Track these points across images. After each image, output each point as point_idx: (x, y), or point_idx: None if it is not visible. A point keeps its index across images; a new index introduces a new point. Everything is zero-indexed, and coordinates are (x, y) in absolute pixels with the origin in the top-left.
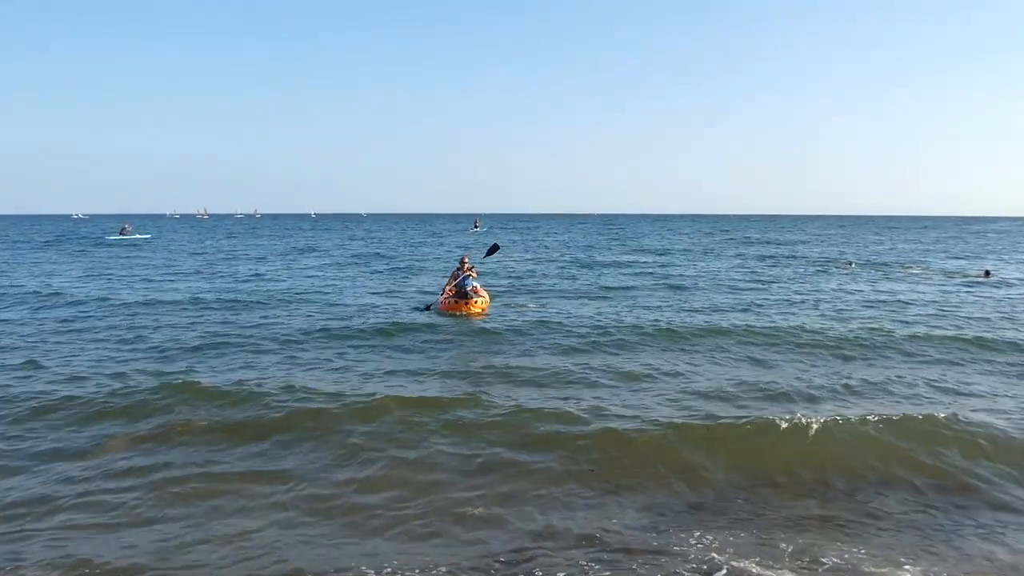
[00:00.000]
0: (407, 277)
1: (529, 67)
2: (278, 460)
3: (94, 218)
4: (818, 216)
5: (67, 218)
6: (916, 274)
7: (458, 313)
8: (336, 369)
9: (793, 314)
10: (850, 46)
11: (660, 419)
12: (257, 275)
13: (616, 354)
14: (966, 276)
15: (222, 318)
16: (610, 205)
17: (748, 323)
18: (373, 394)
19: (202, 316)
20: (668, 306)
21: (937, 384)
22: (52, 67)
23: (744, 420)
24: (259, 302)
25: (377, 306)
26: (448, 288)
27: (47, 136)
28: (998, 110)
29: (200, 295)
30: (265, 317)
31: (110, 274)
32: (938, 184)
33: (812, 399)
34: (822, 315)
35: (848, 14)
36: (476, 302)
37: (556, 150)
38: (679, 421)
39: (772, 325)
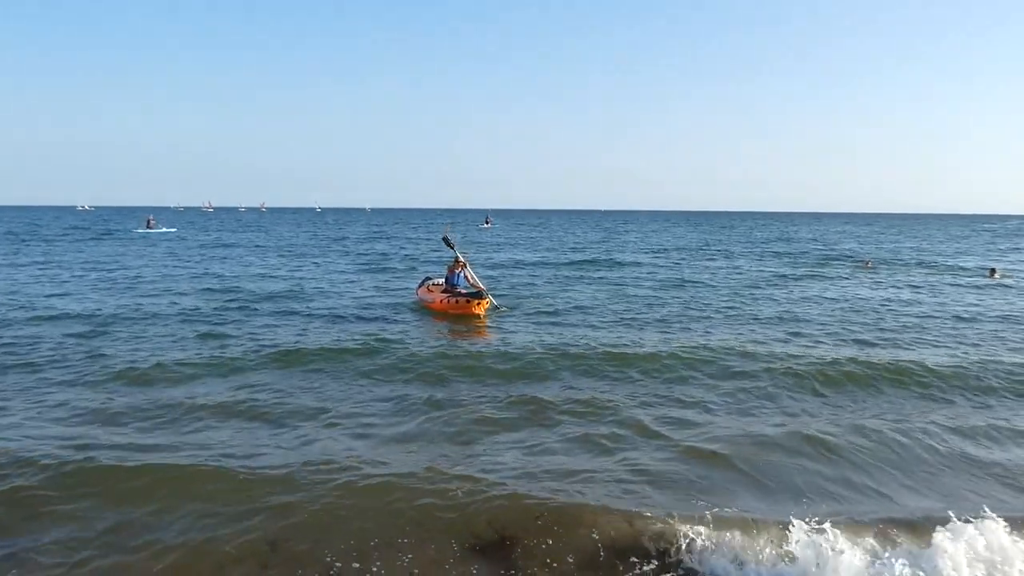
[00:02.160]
0: (402, 278)
1: (532, 64)
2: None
3: (100, 210)
4: (824, 214)
5: (71, 210)
6: (931, 273)
7: (467, 315)
8: (273, 418)
9: (836, 335)
10: (866, 43)
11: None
12: (260, 274)
13: (615, 385)
14: (979, 275)
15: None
16: (614, 202)
17: (747, 342)
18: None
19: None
20: (677, 320)
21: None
22: (56, 56)
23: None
24: (244, 307)
25: (362, 316)
26: (432, 285)
27: (48, 127)
28: (1006, 108)
29: (192, 299)
30: (242, 328)
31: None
32: (945, 183)
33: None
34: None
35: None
36: (486, 302)
37: (567, 148)
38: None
39: (766, 347)
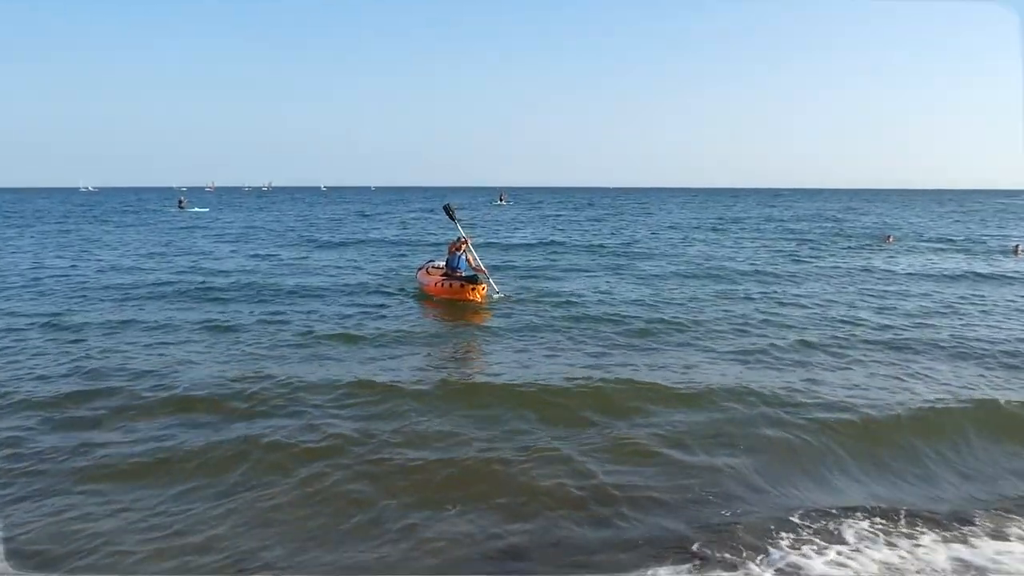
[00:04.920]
0: (394, 260)
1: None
2: None
3: (104, 191)
4: (824, 190)
5: (74, 191)
6: (959, 251)
7: (461, 300)
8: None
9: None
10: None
11: None
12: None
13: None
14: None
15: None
16: (622, 179)
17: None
18: None
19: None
20: (695, 336)
21: None
22: (52, 36)
23: None
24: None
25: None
26: (430, 268)
27: (46, 108)
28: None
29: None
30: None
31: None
32: (957, 159)
33: None
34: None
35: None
36: (483, 288)
37: (571, 129)
38: None
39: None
